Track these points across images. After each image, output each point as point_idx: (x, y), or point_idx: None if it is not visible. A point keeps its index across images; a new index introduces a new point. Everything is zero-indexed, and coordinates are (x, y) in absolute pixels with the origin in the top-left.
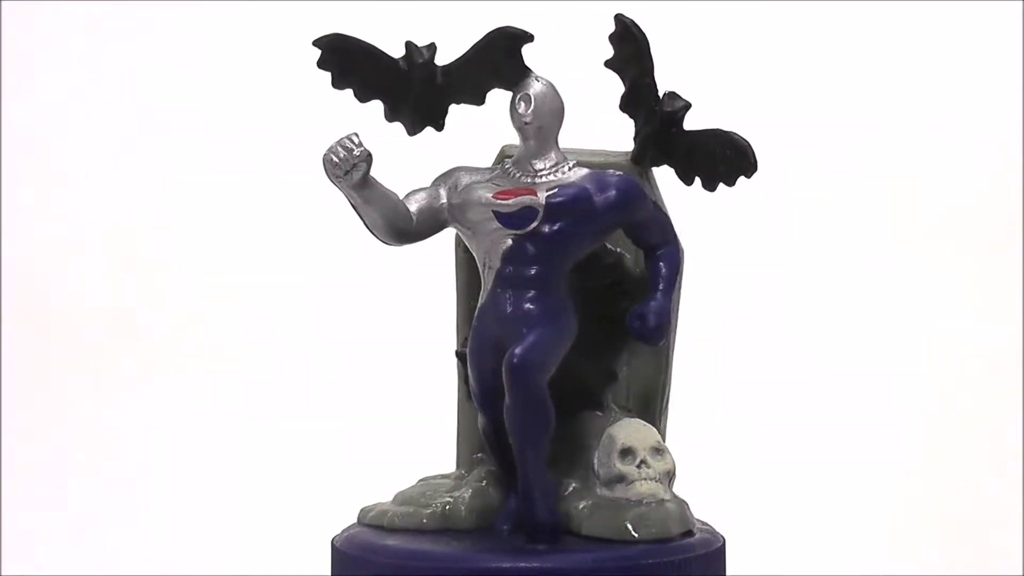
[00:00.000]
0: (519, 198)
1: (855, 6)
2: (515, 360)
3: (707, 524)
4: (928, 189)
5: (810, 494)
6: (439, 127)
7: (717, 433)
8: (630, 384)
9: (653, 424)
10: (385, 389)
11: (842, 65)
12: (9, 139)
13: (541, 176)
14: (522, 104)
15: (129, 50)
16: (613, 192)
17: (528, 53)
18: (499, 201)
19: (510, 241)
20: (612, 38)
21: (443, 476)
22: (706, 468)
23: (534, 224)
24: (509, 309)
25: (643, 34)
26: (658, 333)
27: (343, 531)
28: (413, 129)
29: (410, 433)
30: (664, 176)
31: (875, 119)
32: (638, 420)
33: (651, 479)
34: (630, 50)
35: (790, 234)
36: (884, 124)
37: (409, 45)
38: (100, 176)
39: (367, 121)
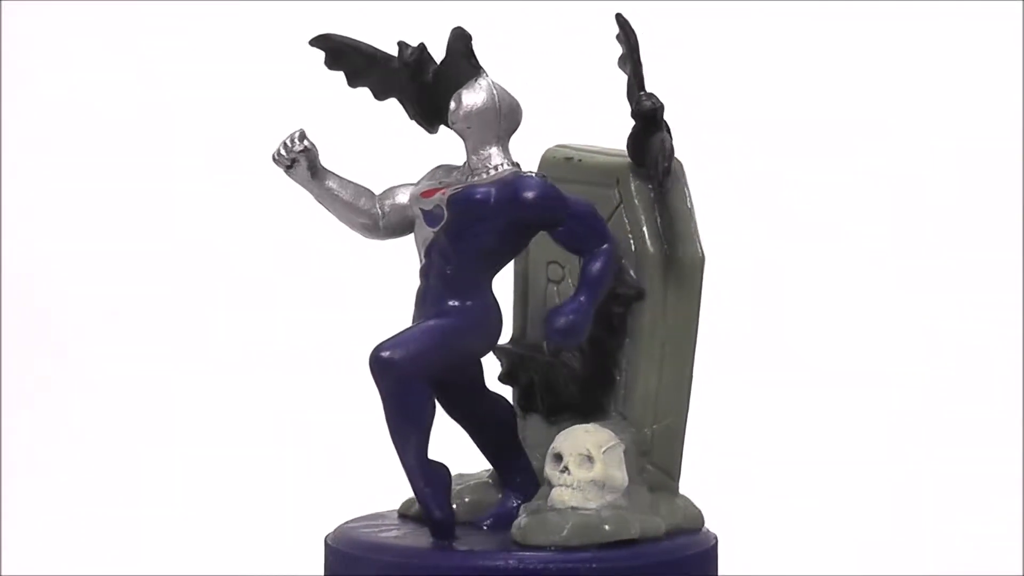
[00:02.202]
0: (435, 196)
1: (855, 6)
2: (376, 354)
3: (694, 529)
4: (928, 188)
5: (809, 493)
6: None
7: (716, 432)
8: (626, 389)
9: (641, 431)
10: None
11: (842, 65)
12: (9, 139)
13: (475, 175)
14: (452, 104)
15: (129, 50)
16: (513, 193)
17: (540, 53)
18: (422, 199)
19: (431, 237)
20: (616, 37)
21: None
22: (705, 467)
23: (443, 222)
24: (422, 304)
25: (632, 33)
26: (562, 334)
27: (337, 528)
28: (427, 127)
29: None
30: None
31: (875, 119)
32: (585, 426)
33: (567, 485)
34: (624, 49)
35: (789, 233)
36: (884, 125)
37: (400, 44)
38: (99, 176)
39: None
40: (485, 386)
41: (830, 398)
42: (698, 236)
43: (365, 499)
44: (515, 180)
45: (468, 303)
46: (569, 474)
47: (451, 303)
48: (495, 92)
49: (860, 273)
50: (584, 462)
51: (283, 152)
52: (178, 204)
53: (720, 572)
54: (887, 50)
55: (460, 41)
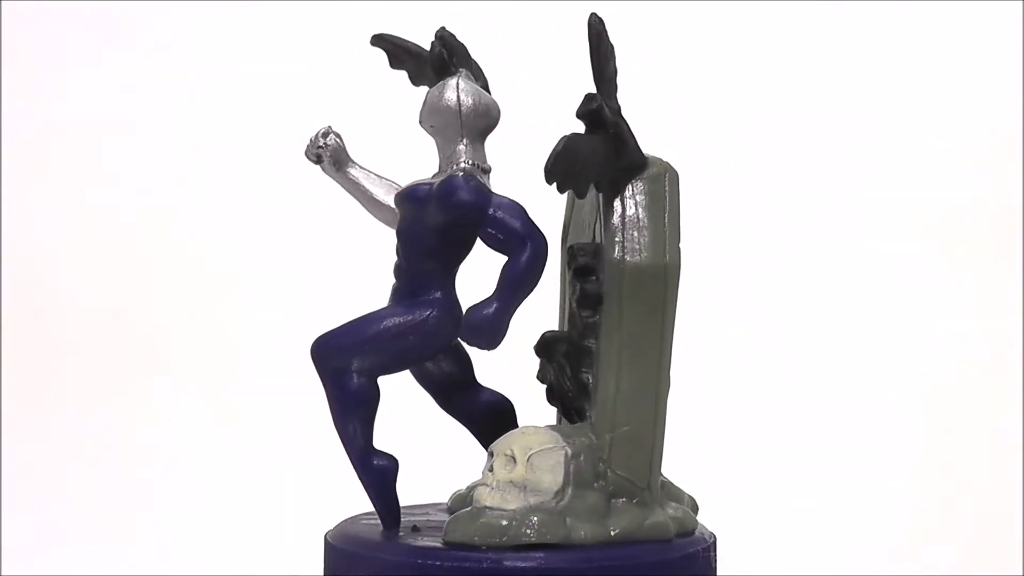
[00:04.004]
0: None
1: (857, 6)
2: (314, 342)
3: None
4: (928, 189)
5: (809, 494)
6: None
7: (718, 432)
8: (594, 395)
9: (601, 437)
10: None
11: (844, 65)
12: (9, 139)
13: (441, 175)
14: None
15: (130, 50)
16: (440, 193)
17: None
18: (397, 197)
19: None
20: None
21: None
22: (706, 466)
23: (399, 219)
24: (389, 298)
25: (594, 36)
26: (471, 333)
27: (337, 525)
28: None
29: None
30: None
31: (875, 119)
32: (528, 427)
33: (487, 484)
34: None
35: (791, 234)
36: (884, 124)
37: (432, 43)
38: (99, 176)
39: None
40: (475, 382)
41: (830, 399)
42: (670, 243)
43: (365, 497)
44: (446, 180)
45: (418, 299)
46: (491, 472)
47: (405, 298)
48: (457, 92)
49: (860, 275)
50: (508, 463)
51: (309, 147)
52: (178, 205)
53: (720, 572)
54: (884, 48)
55: (438, 42)
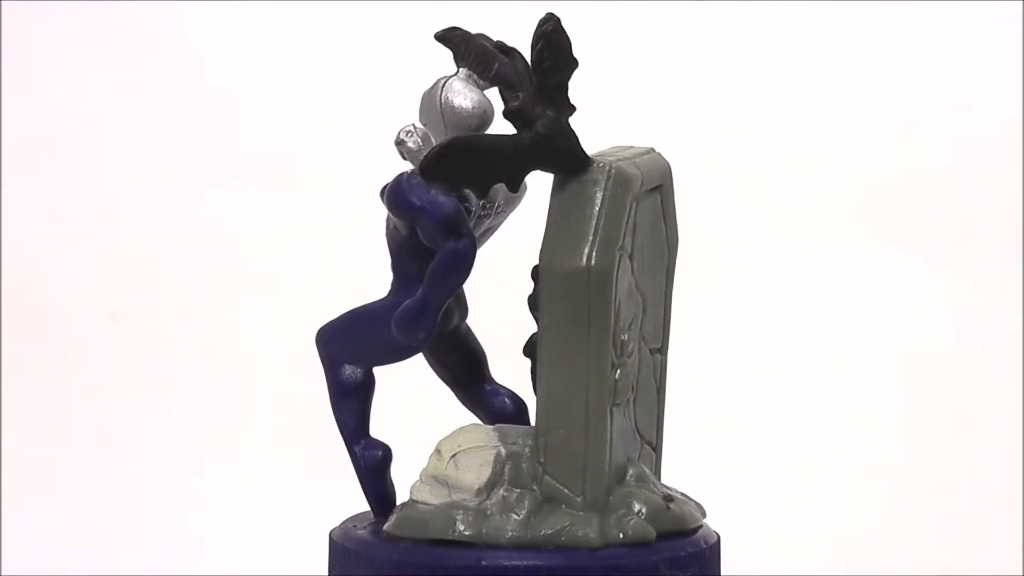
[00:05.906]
0: None
1: (857, 5)
2: (317, 331)
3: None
4: (927, 189)
5: (808, 493)
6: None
7: (720, 431)
8: None
9: (537, 439)
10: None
11: (843, 64)
12: (9, 139)
13: None
14: None
15: (129, 50)
16: (386, 191)
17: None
18: None
19: None
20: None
21: None
22: (705, 464)
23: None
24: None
25: (535, 33)
26: (395, 326)
27: (341, 523)
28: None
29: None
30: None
31: (874, 118)
32: (468, 425)
33: (419, 478)
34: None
35: (789, 234)
36: (883, 123)
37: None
38: (100, 176)
39: None
40: (485, 377)
41: (831, 399)
42: (600, 248)
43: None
44: (392, 180)
45: (404, 291)
46: (425, 466)
47: (392, 292)
48: (442, 91)
49: (861, 275)
50: (435, 456)
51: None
52: (178, 205)
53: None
54: (881, 46)
55: (440, 42)
